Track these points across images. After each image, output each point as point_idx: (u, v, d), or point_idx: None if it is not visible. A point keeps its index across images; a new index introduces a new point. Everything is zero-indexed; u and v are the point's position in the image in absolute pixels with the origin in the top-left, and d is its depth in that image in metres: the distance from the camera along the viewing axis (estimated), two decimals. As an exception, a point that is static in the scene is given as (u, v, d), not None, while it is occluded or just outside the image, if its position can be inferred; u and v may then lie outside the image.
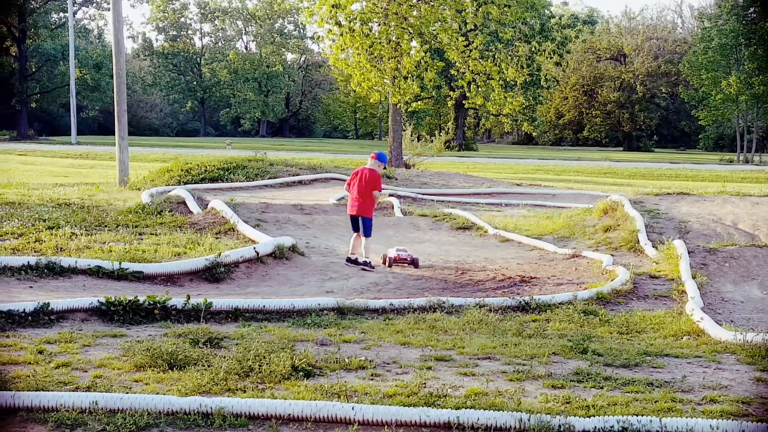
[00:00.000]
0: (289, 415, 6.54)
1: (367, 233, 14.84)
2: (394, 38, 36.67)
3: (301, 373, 7.69)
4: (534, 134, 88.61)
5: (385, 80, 37.11)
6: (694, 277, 13.14)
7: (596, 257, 15.08)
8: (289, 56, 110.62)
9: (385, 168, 16.20)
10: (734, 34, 65.06)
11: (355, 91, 40.78)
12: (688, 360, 8.85)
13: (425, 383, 7.51)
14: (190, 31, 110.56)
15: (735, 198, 21.28)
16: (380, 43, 36.85)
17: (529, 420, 6.33)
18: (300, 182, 26.55)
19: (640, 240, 16.12)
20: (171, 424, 6.47)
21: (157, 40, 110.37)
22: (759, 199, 21.29)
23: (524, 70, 40.14)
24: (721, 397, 7.41)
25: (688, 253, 14.61)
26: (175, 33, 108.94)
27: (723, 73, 65.79)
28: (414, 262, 14.55)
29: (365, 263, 14.49)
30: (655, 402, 7.12)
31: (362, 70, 37.07)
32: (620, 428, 6.25)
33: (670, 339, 9.98)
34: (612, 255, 15.34)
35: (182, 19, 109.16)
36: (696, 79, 68.90)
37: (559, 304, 11.45)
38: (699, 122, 76.86)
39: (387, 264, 14.61)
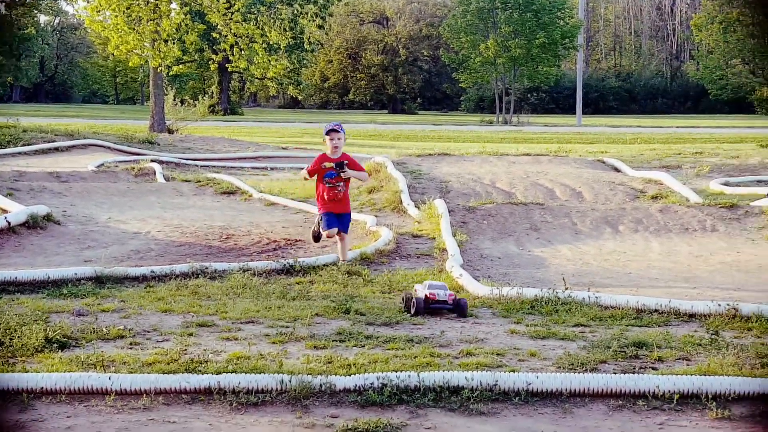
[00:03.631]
0: (42, 388, 6.28)
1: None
2: None
3: (55, 345, 7.41)
4: (300, 98, 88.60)
5: (144, 43, 36.29)
6: (454, 235, 13.44)
7: (360, 218, 15.21)
8: (42, 18, 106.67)
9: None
10: (491, -2, 66.86)
11: (113, 54, 39.72)
12: (447, 316, 9.03)
13: (186, 350, 7.39)
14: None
15: (493, 158, 21.94)
16: (138, 4, 35.93)
17: (290, 381, 6.31)
18: (56, 149, 25.72)
19: (403, 200, 16.39)
20: None
21: None
22: (516, 158, 22.03)
23: (287, 33, 39.97)
24: (477, 350, 7.60)
25: (449, 212, 14.93)
26: None
27: (482, 37, 67.54)
28: (460, 306, 9.07)
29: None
30: (415, 357, 7.24)
31: (120, 32, 36.08)
32: (380, 384, 6.32)
33: (430, 296, 10.15)
34: (376, 216, 15.53)
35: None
36: (456, 42, 70.48)
37: (324, 265, 11.47)
38: (460, 85, 78.74)
39: (413, 308, 9.01)
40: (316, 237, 12.12)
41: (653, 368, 7.13)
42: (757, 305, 8.85)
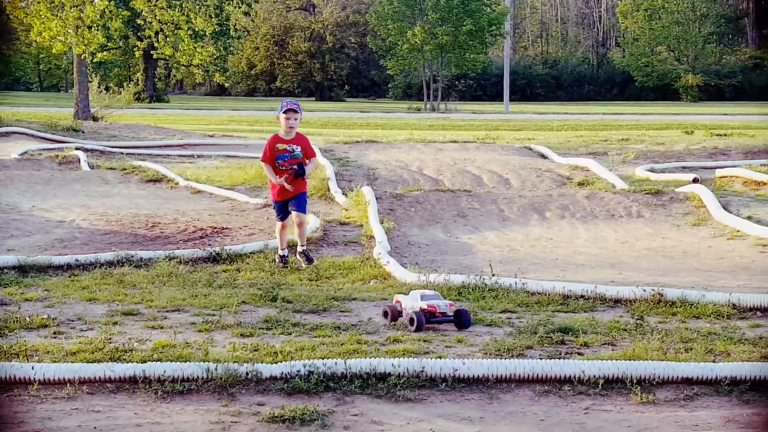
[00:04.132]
0: (-37, 379, 6.18)
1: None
2: (76, -15, 35.40)
3: (-24, 335, 7.30)
4: (226, 85, 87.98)
5: (68, 30, 35.76)
6: (381, 223, 13.45)
7: (287, 206, 15.17)
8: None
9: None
10: (418, -16, 66.92)
11: (36, 41, 39.12)
12: (374, 303, 9.03)
13: (111, 339, 7.30)
14: None
15: (421, 145, 22.02)
16: (61, -10, 35.45)
17: (216, 369, 6.26)
18: (-22, 137, 25.27)
19: (330, 188, 16.39)
20: None
21: None
22: (443, 145, 22.12)
23: (213, 19, 39.73)
24: (405, 336, 7.60)
25: (376, 199, 14.94)
26: None
27: (408, 24, 67.51)
28: (462, 318, 7.95)
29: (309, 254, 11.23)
30: (342, 345, 7.22)
31: (42, 19, 35.53)
32: (306, 372, 6.29)
33: (358, 283, 10.16)
34: (303, 203, 15.47)
35: None
36: (383, 29, 70.36)
37: (251, 253, 11.43)
38: (388, 72, 78.68)
39: (413, 325, 7.84)
40: (284, 261, 11.05)
41: (579, 353, 7.18)
42: (681, 290, 8.96)
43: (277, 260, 11.06)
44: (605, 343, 7.48)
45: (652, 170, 19.55)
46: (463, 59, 69.38)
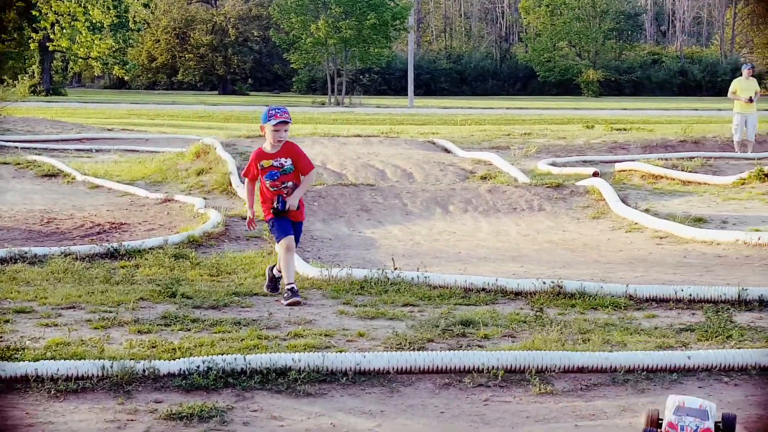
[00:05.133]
0: None
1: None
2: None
3: None
4: (126, 78, 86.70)
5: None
6: (284, 217, 13.34)
7: (189, 201, 15.04)
8: None
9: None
10: (321, -22, 66.77)
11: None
12: (276, 298, 8.95)
13: (2, 337, 7.11)
14: None
15: (324, 139, 21.93)
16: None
17: (112, 367, 6.14)
18: None
19: (232, 182, 16.25)
20: None
21: None
22: (346, 139, 22.07)
23: (111, 11, 39.14)
24: (306, 331, 7.54)
25: (279, 193, 14.84)
26: None
27: (312, 17, 67.33)
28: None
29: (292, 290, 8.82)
30: (242, 340, 7.13)
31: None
32: (205, 368, 6.20)
33: (260, 278, 10.03)
34: (205, 198, 15.36)
35: None
36: (286, 22, 70.06)
37: (150, 249, 11.23)
38: (291, 65, 78.39)
39: None
40: (273, 282, 9.26)
41: (479, 346, 7.20)
42: (580, 282, 9.05)
43: (267, 284, 9.30)
44: (505, 335, 7.51)
45: (553, 164, 19.75)
46: (367, 53, 69.47)
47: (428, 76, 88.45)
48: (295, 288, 8.76)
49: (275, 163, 8.78)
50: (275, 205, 8.78)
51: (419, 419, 5.74)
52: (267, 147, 8.87)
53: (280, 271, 9.10)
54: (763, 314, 8.31)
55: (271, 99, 75.36)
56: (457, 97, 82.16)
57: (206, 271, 10.27)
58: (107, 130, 30.21)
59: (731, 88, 22.97)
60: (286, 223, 8.90)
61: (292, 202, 8.77)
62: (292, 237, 8.90)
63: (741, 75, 23.01)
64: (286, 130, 8.77)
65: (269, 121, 8.70)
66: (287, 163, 8.79)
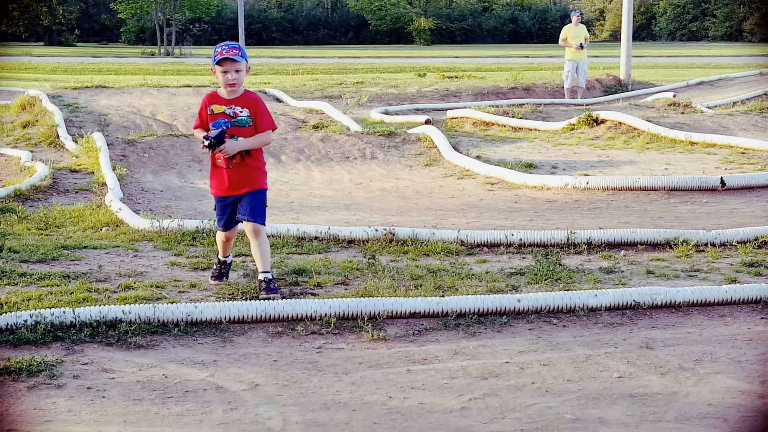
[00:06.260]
0: None
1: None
2: None
3: None
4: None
5: None
6: (114, 169, 13.15)
7: (15, 154, 14.69)
8: None
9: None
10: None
11: None
12: (106, 250, 8.81)
13: None
14: None
15: (154, 90, 21.54)
16: None
17: (-66, 325, 5.96)
18: None
19: (60, 135, 15.92)
20: None
21: None
22: (176, 90, 21.73)
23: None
24: (137, 283, 7.46)
25: (108, 145, 14.60)
26: None
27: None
28: None
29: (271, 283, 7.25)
30: (71, 294, 7.02)
31: None
32: (33, 322, 6.08)
33: (89, 231, 9.88)
34: (32, 151, 15.00)
35: None
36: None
37: (-26, 203, 10.92)
38: (119, 16, 76.65)
39: None
40: (221, 272, 7.74)
41: (312, 294, 7.25)
42: (412, 229, 9.18)
43: (213, 270, 7.78)
44: (338, 283, 7.58)
45: (386, 113, 19.90)
46: (196, 3, 68.50)
47: (259, 26, 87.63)
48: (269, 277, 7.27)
49: (228, 111, 7.21)
50: (208, 135, 7.14)
51: (252, 368, 5.76)
52: (222, 92, 7.29)
53: (228, 257, 7.75)
54: (591, 256, 8.59)
55: (98, 50, 73.52)
56: (289, 46, 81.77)
57: (34, 225, 10.04)
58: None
59: (562, 35, 23.50)
60: (225, 207, 7.42)
61: (229, 145, 7.11)
62: (234, 230, 7.58)
63: (570, 22, 23.56)
64: (237, 70, 7.13)
65: (214, 61, 7.17)
66: (243, 113, 7.22)
